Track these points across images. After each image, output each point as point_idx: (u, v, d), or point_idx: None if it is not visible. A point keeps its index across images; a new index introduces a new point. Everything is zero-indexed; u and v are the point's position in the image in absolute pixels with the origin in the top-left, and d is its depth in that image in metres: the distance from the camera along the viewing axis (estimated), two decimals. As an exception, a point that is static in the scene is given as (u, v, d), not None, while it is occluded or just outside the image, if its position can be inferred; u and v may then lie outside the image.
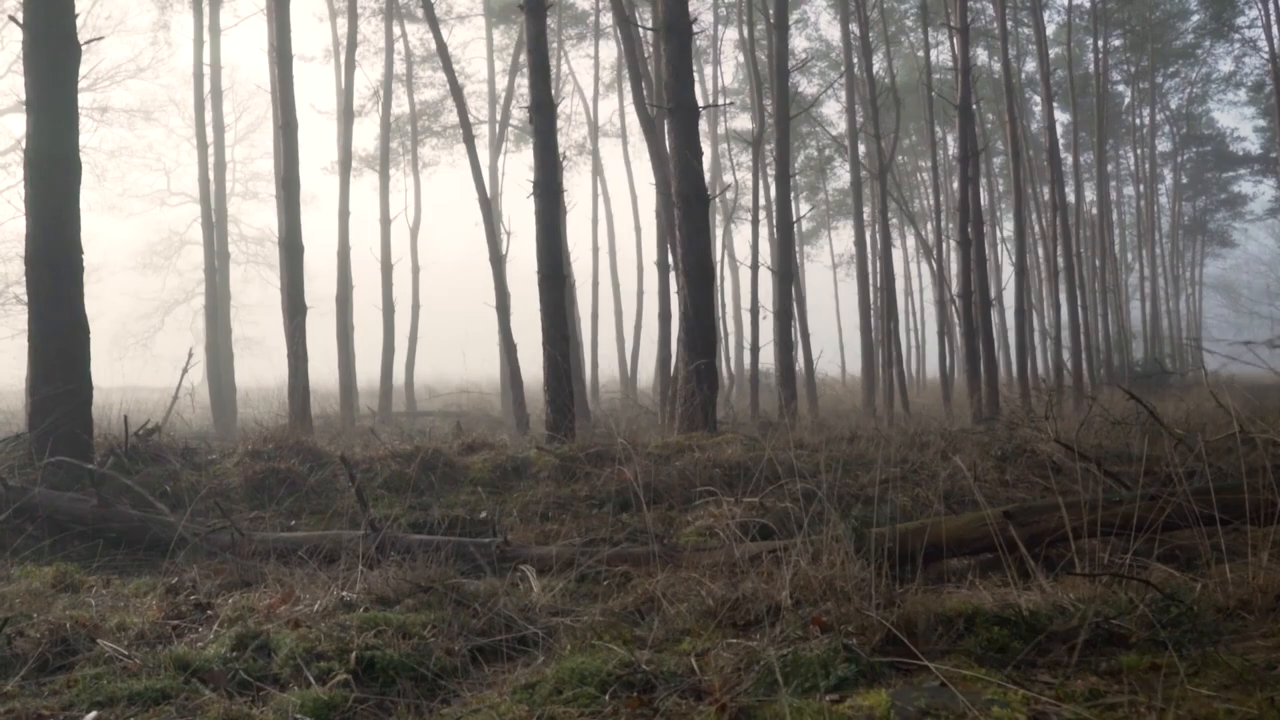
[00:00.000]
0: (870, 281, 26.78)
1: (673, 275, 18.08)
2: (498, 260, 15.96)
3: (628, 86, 33.85)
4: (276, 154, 18.52)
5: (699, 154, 10.10)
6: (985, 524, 4.96)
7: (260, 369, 28.63)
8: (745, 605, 3.35)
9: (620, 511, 6.60)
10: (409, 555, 4.88)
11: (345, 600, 3.40)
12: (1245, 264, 58.12)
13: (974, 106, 19.51)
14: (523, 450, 8.05)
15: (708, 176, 24.50)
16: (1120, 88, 38.29)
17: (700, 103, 10.60)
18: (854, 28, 25.19)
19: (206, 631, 3.27)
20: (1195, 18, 36.15)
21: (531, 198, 8.48)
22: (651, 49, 17.63)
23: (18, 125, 25.34)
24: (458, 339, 41.08)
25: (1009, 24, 23.63)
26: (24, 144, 7.33)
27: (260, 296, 32.95)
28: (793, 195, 24.69)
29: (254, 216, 39.94)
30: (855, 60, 25.10)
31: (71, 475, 6.43)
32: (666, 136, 10.23)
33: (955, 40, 19.15)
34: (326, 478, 7.27)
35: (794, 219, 17.91)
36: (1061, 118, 31.46)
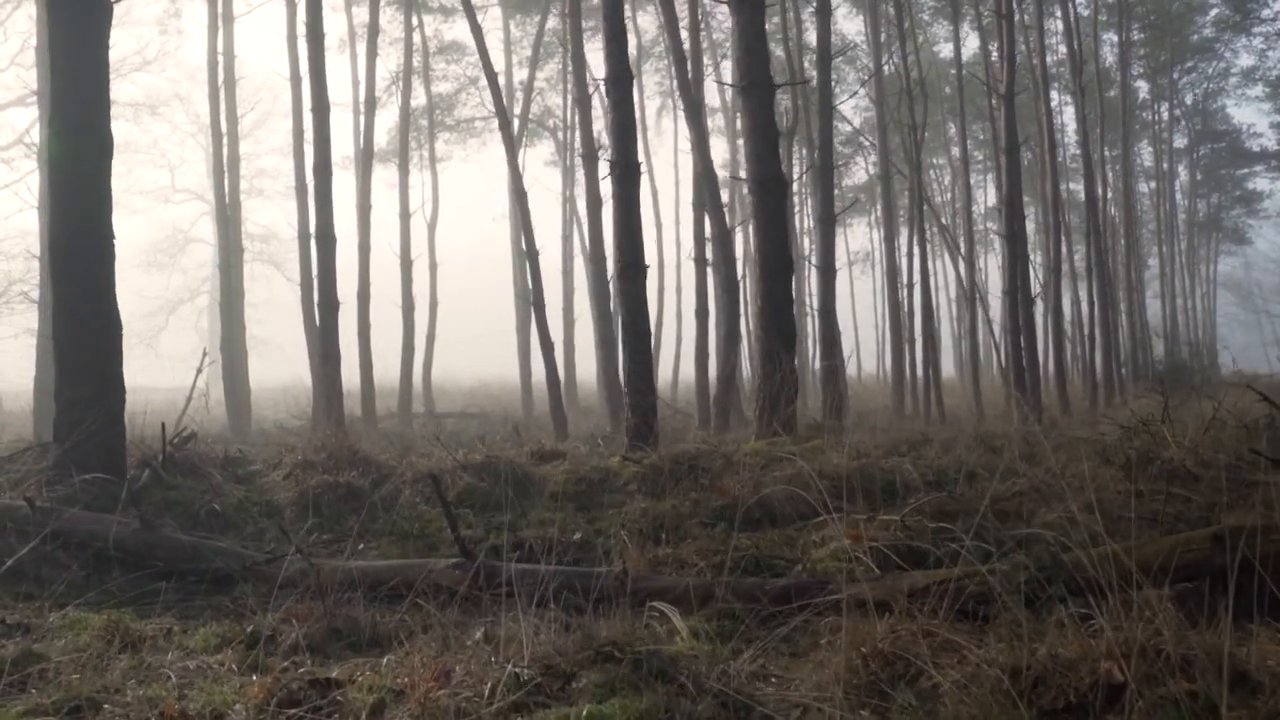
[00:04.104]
0: (899, 279, 25.93)
1: (710, 270, 17.24)
2: (532, 255, 15.10)
3: (647, 79, 33.22)
4: (297, 142, 17.69)
5: (775, 134, 9.28)
6: (1190, 549, 4.20)
7: (269, 368, 27.79)
8: (1051, 680, 2.53)
9: (731, 530, 5.80)
10: (519, 589, 4.06)
11: (517, 676, 2.55)
12: (1255, 261, 57.64)
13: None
14: (602, 460, 7.26)
15: (728, 171, 23.65)
16: (1138, 83, 37.65)
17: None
18: (881, 21, 24.46)
19: (341, 727, 2.42)
20: (1215, 11, 35.54)
21: (605, 179, 7.67)
22: (688, 32, 16.79)
23: (19, 119, 24.40)
24: (467, 338, 40.28)
25: (1027, 18, 22.86)
26: (39, 128, 6.51)
27: (266, 294, 32.05)
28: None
29: (259, 214, 38.99)
30: (884, 50, 24.27)
31: (105, 493, 5.58)
32: (740, 116, 9.41)
33: (1001, 27, 18.39)
34: (390, 492, 6.42)
35: (835, 213, 17.08)
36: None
